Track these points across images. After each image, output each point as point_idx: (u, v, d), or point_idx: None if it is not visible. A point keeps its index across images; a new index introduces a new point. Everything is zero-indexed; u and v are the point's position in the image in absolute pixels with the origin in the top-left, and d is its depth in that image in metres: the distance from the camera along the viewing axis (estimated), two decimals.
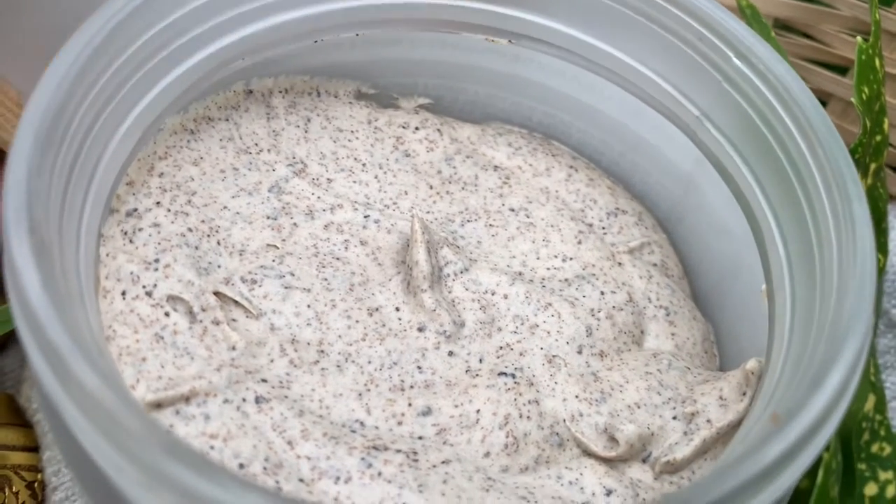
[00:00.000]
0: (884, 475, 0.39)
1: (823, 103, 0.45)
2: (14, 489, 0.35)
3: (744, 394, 0.29)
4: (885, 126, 0.38)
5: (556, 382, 0.30)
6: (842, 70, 0.44)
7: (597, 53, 0.32)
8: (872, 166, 0.37)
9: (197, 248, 0.30)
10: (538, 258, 0.33)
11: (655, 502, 0.19)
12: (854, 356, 0.21)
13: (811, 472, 0.26)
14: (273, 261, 0.30)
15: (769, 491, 0.19)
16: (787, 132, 0.27)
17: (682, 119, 0.31)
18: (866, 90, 0.35)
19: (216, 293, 0.29)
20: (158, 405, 0.26)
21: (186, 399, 0.26)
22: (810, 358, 0.22)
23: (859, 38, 0.36)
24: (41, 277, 0.21)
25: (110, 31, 0.27)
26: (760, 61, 0.28)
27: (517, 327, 0.31)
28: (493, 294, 0.31)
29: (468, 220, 0.34)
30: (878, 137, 0.37)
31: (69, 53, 0.26)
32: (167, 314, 0.28)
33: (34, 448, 0.36)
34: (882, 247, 0.38)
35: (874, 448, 0.39)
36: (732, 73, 0.29)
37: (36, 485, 0.36)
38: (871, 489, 0.39)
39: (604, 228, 0.35)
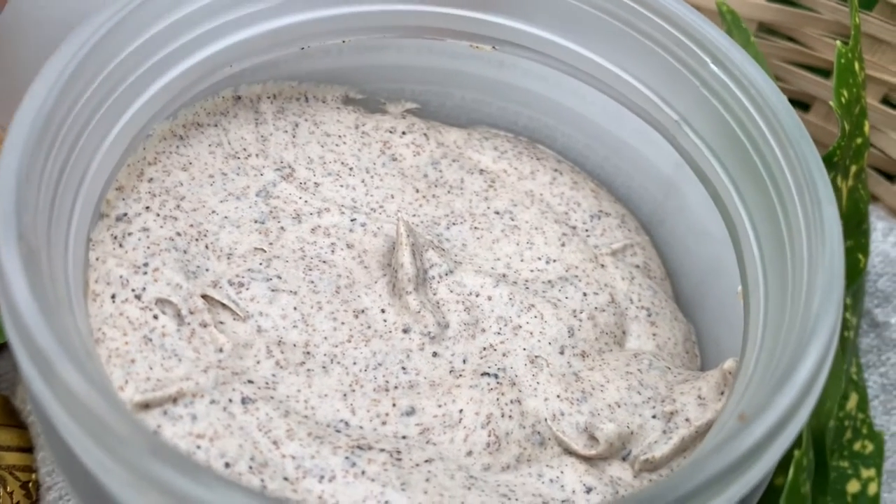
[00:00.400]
0: (866, 472, 0.40)
1: (807, 106, 0.46)
2: (8, 489, 0.36)
3: (722, 393, 0.30)
4: (866, 128, 0.38)
5: (538, 382, 0.30)
6: (825, 73, 0.45)
7: (578, 59, 0.33)
8: (853, 168, 0.38)
9: (185, 251, 0.30)
10: (522, 260, 0.34)
11: (619, 501, 0.19)
12: (820, 355, 0.22)
13: (785, 470, 0.27)
14: (260, 264, 0.31)
15: (735, 488, 0.20)
16: (761, 136, 0.28)
17: (661, 123, 0.32)
18: (845, 94, 0.36)
19: (204, 296, 0.29)
20: (146, 406, 0.26)
21: (174, 400, 0.27)
22: (779, 357, 0.23)
23: (838, 43, 0.36)
24: (29, 283, 0.22)
25: (99, 38, 0.27)
26: (736, 67, 0.28)
27: (501, 328, 0.31)
28: (477, 296, 0.32)
29: (454, 223, 0.34)
30: (859, 140, 0.38)
31: (59, 61, 0.26)
32: (156, 317, 0.28)
33: (28, 449, 0.37)
34: (863, 248, 0.39)
35: (857, 446, 0.40)
36: (710, 79, 0.29)
37: (30, 485, 0.37)
38: (853, 486, 0.39)
39: (587, 231, 0.35)
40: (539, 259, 0.34)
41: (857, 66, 0.37)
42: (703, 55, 0.29)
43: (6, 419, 0.38)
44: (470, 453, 0.28)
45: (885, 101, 0.43)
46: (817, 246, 0.24)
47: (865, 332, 0.42)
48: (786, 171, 0.27)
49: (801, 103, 0.46)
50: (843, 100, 0.35)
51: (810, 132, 0.46)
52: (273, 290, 0.30)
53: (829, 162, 0.35)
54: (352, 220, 0.33)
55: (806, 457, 0.26)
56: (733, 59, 0.28)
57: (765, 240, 0.27)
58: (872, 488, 0.39)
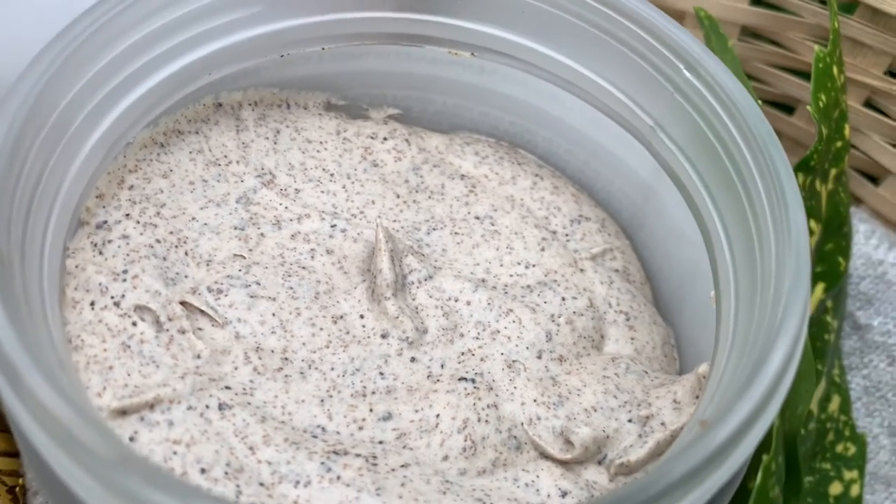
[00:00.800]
0: (849, 474, 0.40)
1: (791, 109, 0.46)
2: None
3: (697, 397, 0.30)
4: (846, 132, 0.39)
5: (515, 387, 0.30)
6: (809, 76, 0.45)
7: (556, 65, 0.33)
8: (833, 172, 0.38)
9: (165, 258, 0.31)
10: (502, 265, 0.34)
11: None
12: (783, 360, 0.22)
13: (756, 473, 0.27)
14: (239, 270, 0.31)
15: (698, 492, 0.20)
16: (733, 142, 0.28)
17: (637, 129, 0.32)
18: (823, 98, 0.36)
19: (183, 303, 0.30)
20: (123, 412, 0.27)
21: (151, 406, 0.27)
22: (745, 362, 0.23)
23: (816, 47, 0.37)
24: (0, 296, 0.22)
25: (79, 45, 0.28)
26: (709, 73, 0.29)
27: (479, 333, 0.32)
28: (456, 301, 0.32)
29: (434, 229, 0.34)
30: (839, 143, 0.38)
31: (37, 67, 0.27)
32: (134, 324, 0.29)
33: (15, 453, 0.37)
34: (843, 251, 0.39)
35: (839, 448, 0.40)
36: (683, 85, 0.29)
37: (17, 489, 0.37)
38: (836, 488, 0.39)
39: (567, 235, 0.35)
40: (518, 264, 0.34)
41: (835, 70, 0.37)
42: (677, 62, 0.29)
43: None
44: (446, 458, 0.28)
45: (868, 103, 0.43)
46: (784, 252, 0.24)
47: (848, 334, 0.42)
48: (756, 176, 0.27)
49: (784, 106, 0.46)
50: (820, 104, 0.35)
51: (794, 135, 0.46)
52: (252, 297, 0.30)
53: (807, 166, 0.35)
54: (332, 227, 0.33)
55: (775, 461, 0.27)
56: (706, 65, 0.29)
57: (736, 244, 0.27)
58: (855, 490, 0.39)
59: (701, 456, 0.20)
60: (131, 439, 0.26)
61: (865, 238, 0.42)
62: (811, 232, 0.36)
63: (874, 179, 0.45)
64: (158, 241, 0.31)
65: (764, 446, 0.26)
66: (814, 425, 0.38)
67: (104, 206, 0.31)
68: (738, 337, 0.25)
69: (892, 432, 0.41)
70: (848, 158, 0.39)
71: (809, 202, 0.36)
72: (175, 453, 0.26)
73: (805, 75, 0.45)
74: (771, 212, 0.26)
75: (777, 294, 0.23)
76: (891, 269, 0.41)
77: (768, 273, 0.25)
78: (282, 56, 0.33)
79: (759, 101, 0.33)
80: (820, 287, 0.38)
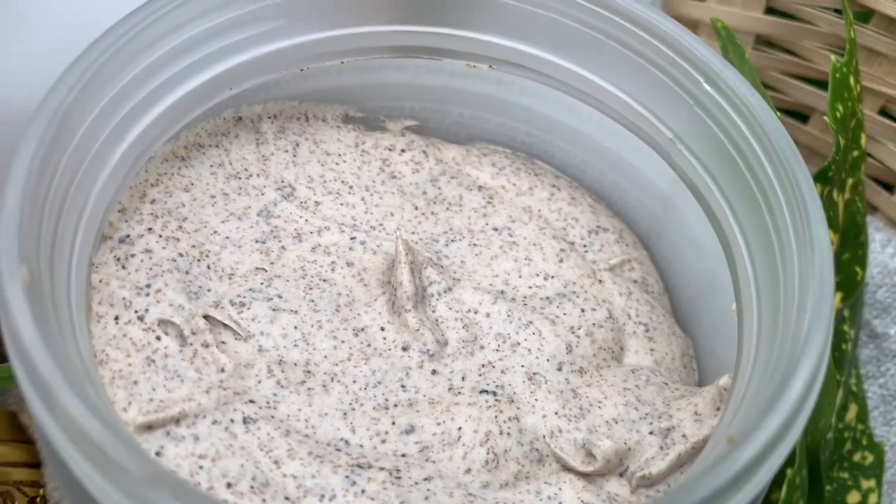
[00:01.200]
0: (866, 483, 0.40)
1: (805, 117, 0.46)
2: None
3: (717, 409, 0.30)
4: (862, 141, 0.39)
5: (536, 399, 0.31)
6: (823, 84, 0.45)
7: (574, 77, 0.33)
8: (850, 181, 0.38)
9: (187, 272, 0.31)
10: (520, 277, 0.34)
11: None
12: (808, 378, 0.22)
13: (781, 486, 0.27)
14: (261, 283, 0.31)
15: None
16: (754, 156, 0.28)
17: (656, 141, 0.32)
18: (840, 108, 0.36)
19: (206, 316, 0.30)
20: (149, 427, 0.27)
21: (176, 421, 0.27)
22: (770, 377, 0.23)
23: (833, 57, 0.37)
24: (31, 311, 0.22)
25: (102, 63, 0.28)
26: (729, 87, 0.29)
27: (499, 345, 0.32)
28: (475, 313, 0.32)
29: (452, 240, 0.35)
30: (855, 153, 0.38)
31: (62, 86, 0.27)
32: (158, 338, 0.29)
33: (36, 464, 0.37)
34: (860, 260, 0.39)
35: (857, 457, 0.40)
36: (703, 98, 0.30)
37: (38, 500, 0.37)
38: (853, 497, 0.40)
39: (585, 246, 0.36)
40: (537, 275, 0.34)
41: (852, 80, 0.37)
42: (697, 75, 0.30)
43: (14, 435, 0.39)
44: (469, 471, 0.29)
45: (883, 112, 0.43)
46: (807, 268, 0.24)
47: (865, 342, 0.42)
48: (778, 190, 0.27)
49: (799, 114, 0.46)
50: (837, 114, 0.35)
51: (809, 143, 0.46)
52: (274, 310, 0.31)
53: (825, 177, 0.35)
54: (351, 239, 0.33)
55: (799, 475, 0.27)
56: (726, 79, 0.29)
57: (758, 258, 0.28)
58: (873, 499, 0.39)
59: (729, 473, 0.20)
60: (158, 454, 0.26)
61: (882, 247, 0.42)
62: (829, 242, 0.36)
63: (889, 187, 0.45)
64: (181, 254, 0.31)
65: (788, 460, 0.26)
66: (832, 435, 0.38)
67: (127, 221, 0.31)
68: (762, 352, 0.25)
69: None
70: (864, 167, 0.39)
71: (828, 212, 0.36)
72: (201, 468, 0.26)
73: (820, 84, 0.45)
74: (793, 226, 0.26)
75: (801, 311, 0.24)
76: None
77: (791, 288, 0.25)
78: (301, 70, 0.34)
79: (778, 113, 0.33)
80: (837, 296, 0.38)
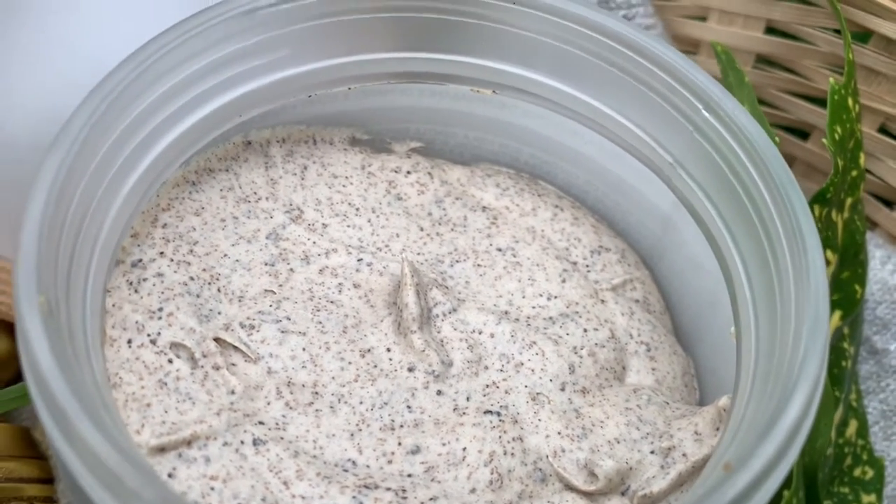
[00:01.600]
0: (867, 498, 0.40)
1: (806, 135, 0.47)
2: None
3: (717, 428, 0.30)
4: (861, 160, 0.39)
5: (539, 419, 0.31)
6: (824, 102, 0.45)
7: (576, 103, 0.34)
8: (848, 201, 0.39)
9: (198, 296, 0.31)
10: (524, 297, 0.35)
11: None
12: (804, 403, 0.22)
13: None
14: (270, 306, 0.32)
15: None
16: (751, 180, 0.29)
17: (657, 165, 0.32)
18: (839, 130, 0.37)
19: (216, 339, 0.31)
20: (162, 449, 0.28)
21: (188, 443, 0.28)
22: (767, 402, 0.24)
23: (832, 79, 0.37)
24: (49, 340, 0.23)
25: (117, 94, 0.29)
26: (727, 114, 0.29)
27: (503, 366, 0.32)
28: (480, 333, 0.33)
29: (457, 261, 0.35)
30: (854, 173, 0.39)
31: (78, 118, 0.28)
32: (170, 361, 0.30)
33: (49, 480, 0.38)
34: (860, 278, 0.40)
35: (857, 472, 0.41)
36: (702, 125, 0.30)
37: None
38: None
39: (588, 266, 0.36)
40: (540, 296, 0.35)
41: (850, 101, 0.37)
42: (696, 102, 0.30)
43: (27, 451, 0.39)
44: (473, 490, 0.29)
45: (883, 129, 0.44)
46: (803, 293, 0.25)
47: (865, 358, 0.42)
48: (775, 217, 0.27)
49: (800, 132, 0.47)
50: (836, 136, 0.36)
51: (809, 160, 0.47)
52: (283, 332, 0.31)
53: (823, 198, 0.36)
54: (358, 260, 0.34)
55: (795, 497, 0.27)
56: (725, 106, 0.29)
57: (756, 282, 0.28)
58: None
59: (725, 499, 0.20)
60: (170, 475, 0.27)
61: (881, 264, 0.42)
62: (828, 262, 0.37)
63: (889, 204, 0.46)
64: (192, 278, 0.32)
65: (785, 482, 0.27)
66: (832, 450, 0.39)
67: (139, 245, 0.32)
68: (759, 376, 0.26)
69: None
70: (863, 186, 0.40)
71: (826, 233, 0.37)
72: (213, 489, 0.27)
73: (820, 102, 0.45)
74: (790, 251, 0.27)
75: (797, 336, 0.24)
76: None
77: (788, 313, 0.26)
78: (309, 96, 0.34)
79: (777, 138, 0.34)
80: (837, 315, 0.38)
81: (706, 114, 0.30)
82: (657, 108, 0.32)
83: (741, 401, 0.26)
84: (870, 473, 0.40)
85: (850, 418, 0.41)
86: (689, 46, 0.46)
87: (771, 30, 0.45)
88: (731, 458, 0.22)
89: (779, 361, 0.25)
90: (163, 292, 0.31)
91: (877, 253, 0.43)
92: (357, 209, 0.36)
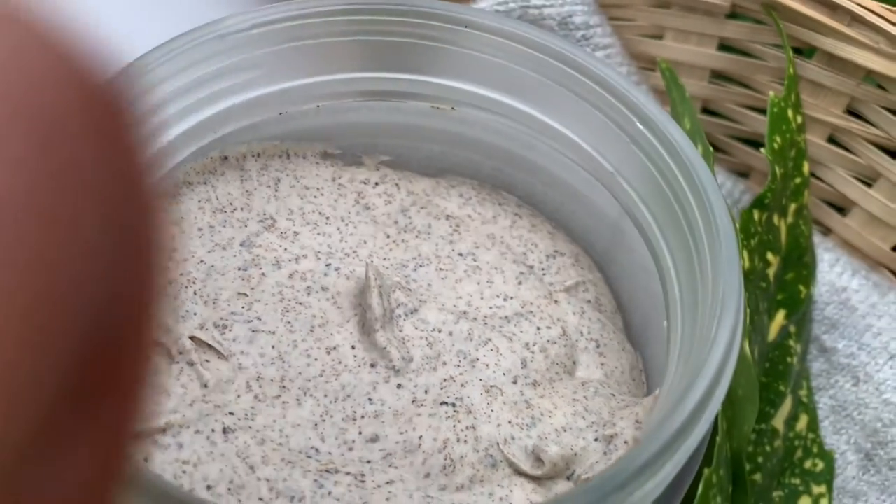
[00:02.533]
0: (817, 489, 0.43)
1: (760, 144, 0.49)
2: None
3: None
4: (804, 168, 0.42)
5: (492, 410, 0.34)
6: None
7: (528, 118, 0.36)
8: (793, 206, 0.41)
9: (175, 298, 0.34)
10: (482, 298, 0.37)
11: None
12: (709, 384, 0.25)
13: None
14: (242, 307, 0.35)
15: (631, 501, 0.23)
16: (678, 185, 0.31)
17: (601, 174, 0.35)
18: (778, 139, 0.39)
19: (192, 337, 0.33)
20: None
21: (163, 430, 0.30)
22: (680, 385, 0.26)
23: (771, 93, 0.40)
24: None
25: None
26: (658, 126, 0.32)
27: (460, 361, 0.35)
28: (439, 332, 0.36)
29: (420, 265, 0.38)
30: (798, 179, 0.41)
31: None
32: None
33: None
34: (804, 279, 0.42)
35: (807, 464, 0.43)
36: (637, 136, 0.33)
37: None
38: (805, 502, 0.42)
39: (543, 270, 0.39)
40: (497, 297, 0.37)
41: (790, 112, 0.40)
42: (632, 115, 0.33)
43: None
44: (428, 475, 0.32)
45: (831, 139, 0.46)
46: (719, 281, 0.27)
47: (816, 357, 0.44)
48: (698, 216, 0.30)
49: (756, 143, 0.49)
50: (775, 146, 0.38)
51: (762, 167, 0.49)
52: (253, 331, 0.34)
53: (762, 203, 0.38)
54: (327, 265, 0.37)
55: (716, 474, 0.29)
56: (656, 119, 0.32)
57: (683, 278, 0.31)
58: (824, 503, 0.42)
59: (631, 469, 0.23)
60: (145, 460, 0.30)
61: (830, 266, 0.45)
62: (769, 263, 0.39)
63: (841, 210, 0.48)
64: (170, 282, 0.34)
65: (705, 460, 0.29)
66: (780, 443, 0.41)
67: None
68: (681, 363, 0.28)
69: (858, 449, 0.44)
70: (808, 193, 0.42)
71: (766, 236, 0.39)
72: (184, 472, 0.30)
73: None
74: (710, 249, 0.29)
75: (709, 323, 0.27)
76: (854, 295, 0.44)
77: (706, 302, 0.28)
78: (280, 114, 0.37)
79: (710, 147, 0.36)
80: (781, 314, 0.41)
81: (640, 126, 0.32)
82: (599, 122, 0.34)
83: (665, 388, 0.28)
84: (820, 465, 0.42)
85: (800, 413, 0.43)
86: (647, 63, 0.49)
87: (724, 47, 0.48)
88: (642, 434, 0.24)
89: (697, 350, 0.27)
90: None
91: (826, 256, 0.45)
92: (327, 218, 0.39)
